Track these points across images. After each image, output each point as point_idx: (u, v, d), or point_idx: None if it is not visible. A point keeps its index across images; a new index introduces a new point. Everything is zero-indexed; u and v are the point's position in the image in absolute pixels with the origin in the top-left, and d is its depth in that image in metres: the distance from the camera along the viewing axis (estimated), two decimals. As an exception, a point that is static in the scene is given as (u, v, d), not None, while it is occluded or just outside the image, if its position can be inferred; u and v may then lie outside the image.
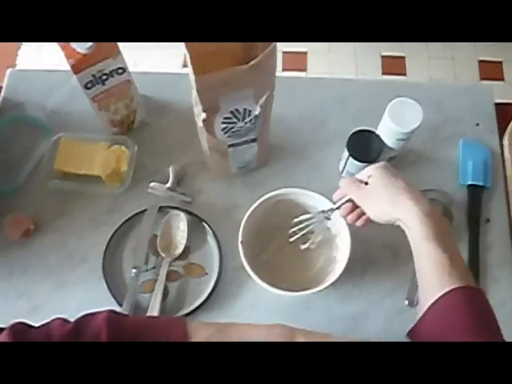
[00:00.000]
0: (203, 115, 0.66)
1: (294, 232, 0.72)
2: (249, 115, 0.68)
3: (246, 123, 0.70)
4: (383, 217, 0.63)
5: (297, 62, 1.88)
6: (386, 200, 0.62)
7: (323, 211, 0.71)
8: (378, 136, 0.78)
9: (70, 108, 0.92)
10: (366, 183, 0.66)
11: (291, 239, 0.73)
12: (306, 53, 1.90)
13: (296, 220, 0.72)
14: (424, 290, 0.57)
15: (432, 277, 0.55)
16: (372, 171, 0.65)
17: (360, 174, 0.68)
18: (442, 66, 1.88)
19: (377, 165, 0.66)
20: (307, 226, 0.71)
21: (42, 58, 1.89)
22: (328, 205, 0.72)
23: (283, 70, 1.86)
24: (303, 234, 0.72)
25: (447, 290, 0.52)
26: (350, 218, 0.68)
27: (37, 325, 0.49)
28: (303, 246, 0.74)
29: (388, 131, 0.76)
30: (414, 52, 1.90)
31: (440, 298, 0.53)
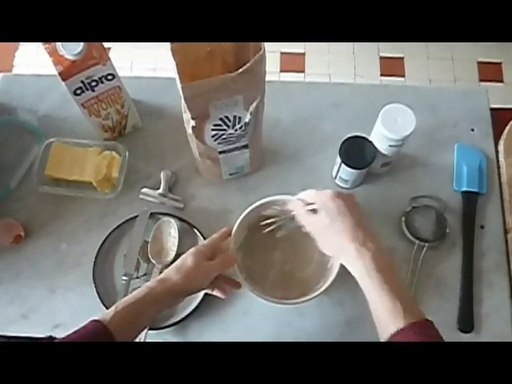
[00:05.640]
0: (192, 122, 0.65)
1: (266, 224, 0.73)
2: (239, 122, 0.68)
3: (236, 130, 0.69)
4: (329, 253, 0.68)
5: (295, 63, 1.87)
6: (331, 242, 0.65)
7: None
8: (370, 142, 0.77)
9: (62, 113, 0.91)
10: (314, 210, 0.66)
11: (264, 231, 0.73)
12: (303, 54, 1.89)
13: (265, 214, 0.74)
14: (377, 328, 0.58)
15: (379, 317, 0.57)
16: (319, 204, 0.65)
17: (307, 195, 0.68)
18: (440, 66, 1.87)
19: (324, 197, 0.65)
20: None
21: (39, 59, 1.88)
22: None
23: (281, 71, 1.85)
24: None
25: (394, 331, 0.53)
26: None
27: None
28: (278, 235, 0.75)
29: (380, 137, 0.75)
30: (412, 53, 1.88)
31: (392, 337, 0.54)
